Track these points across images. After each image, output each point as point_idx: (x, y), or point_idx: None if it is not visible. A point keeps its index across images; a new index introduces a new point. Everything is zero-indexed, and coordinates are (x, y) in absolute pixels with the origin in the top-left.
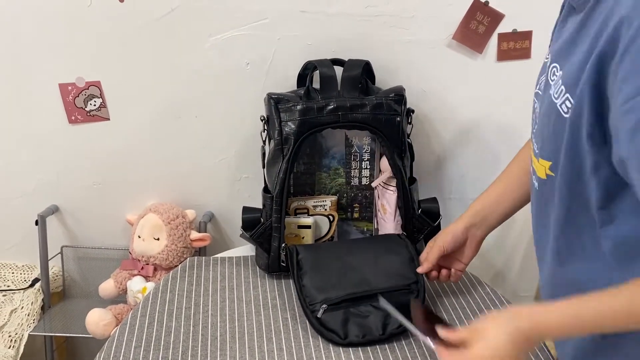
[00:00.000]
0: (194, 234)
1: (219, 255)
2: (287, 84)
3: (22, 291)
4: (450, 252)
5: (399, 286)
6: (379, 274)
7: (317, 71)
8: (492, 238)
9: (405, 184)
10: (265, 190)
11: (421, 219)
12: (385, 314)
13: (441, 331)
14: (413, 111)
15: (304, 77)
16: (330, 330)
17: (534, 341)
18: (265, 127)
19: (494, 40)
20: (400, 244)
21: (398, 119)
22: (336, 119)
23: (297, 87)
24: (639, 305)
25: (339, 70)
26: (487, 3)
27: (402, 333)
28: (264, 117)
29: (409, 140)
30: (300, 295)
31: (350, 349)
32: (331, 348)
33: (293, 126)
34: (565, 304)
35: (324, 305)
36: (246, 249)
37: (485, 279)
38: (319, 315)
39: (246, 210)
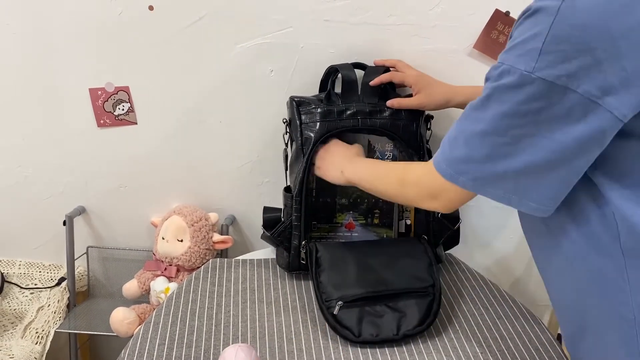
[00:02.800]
0: (217, 237)
1: (240, 258)
2: (309, 90)
3: (48, 289)
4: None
5: (415, 288)
6: (396, 275)
7: (339, 76)
8: (512, 245)
9: None
10: (287, 190)
11: (440, 223)
12: (400, 315)
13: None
14: (432, 117)
15: (326, 82)
16: (345, 327)
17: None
18: (288, 130)
19: None
20: (420, 247)
21: (416, 124)
22: (355, 124)
23: (319, 92)
24: (373, 179)
25: (360, 74)
26: (508, 13)
27: (416, 334)
28: (286, 119)
29: (427, 145)
30: (317, 291)
31: (368, 350)
32: (349, 349)
33: (313, 128)
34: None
35: (340, 302)
36: (267, 252)
37: (504, 286)
38: (334, 312)
39: (267, 210)
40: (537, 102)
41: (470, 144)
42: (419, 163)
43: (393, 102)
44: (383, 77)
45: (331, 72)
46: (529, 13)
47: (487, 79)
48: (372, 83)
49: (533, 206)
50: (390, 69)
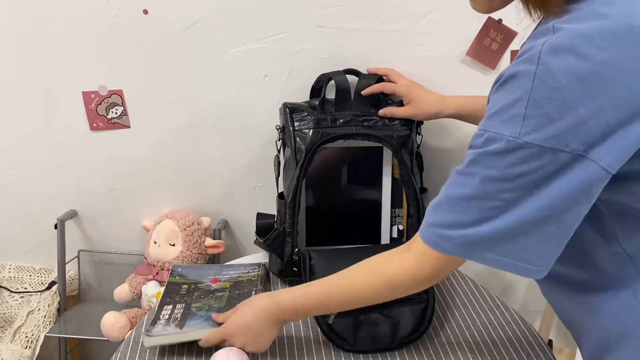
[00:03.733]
0: (209, 241)
1: (232, 262)
2: (303, 95)
3: (39, 293)
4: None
5: (408, 295)
6: None
7: (331, 82)
8: None
9: (417, 193)
10: (280, 196)
11: None
12: (395, 323)
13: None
14: (422, 122)
15: (316, 89)
16: (340, 337)
17: (283, 319)
18: (281, 136)
19: (506, 57)
20: None
21: (410, 131)
22: (349, 131)
23: (310, 98)
24: (355, 286)
25: (352, 80)
26: (500, 21)
27: (411, 342)
28: (279, 126)
29: (418, 150)
30: None
31: (361, 357)
32: (342, 356)
33: (306, 135)
34: (304, 285)
35: (335, 312)
36: (259, 257)
37: (496, 292)
38: (329, 321)
39: (260, 216)
40: (526, 165)
41: (456, 208)
42: (393, 261)
43: (385, 112)
44: (374, 88)
45: (323, 79)
46: (504, 79)
47: (470, 147)
48: (363, 93)
49: (526, 267)
50: (383, 77)
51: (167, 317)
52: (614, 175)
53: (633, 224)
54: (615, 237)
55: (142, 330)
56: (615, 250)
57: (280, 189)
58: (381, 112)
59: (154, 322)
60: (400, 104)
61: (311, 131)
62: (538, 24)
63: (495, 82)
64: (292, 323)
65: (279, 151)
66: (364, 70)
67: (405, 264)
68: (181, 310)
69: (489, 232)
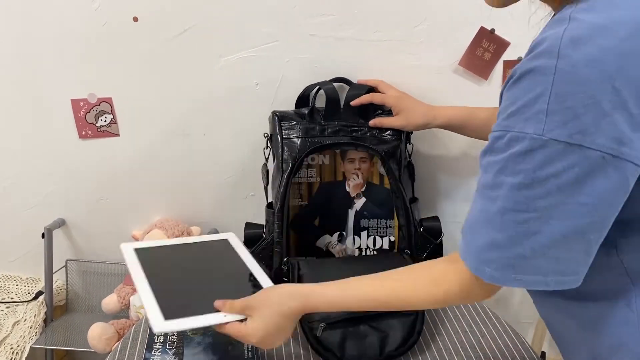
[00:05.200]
0: None
1: None
2: (294, 104)
3: (25, 304)
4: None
5: None
6: None
7: (320, 92)
8: None
9: (406, 203)
10: (269, 206)
11: (423, 237)
12: (383, 336)
13: (218, 303)
14: (411, 132)
15: (302, 99)
16: (328, 350)
17: (304, 313)
18: (269, 144)
19: (499, 67)
20: (402, 262)
21: (397, 141)
22: (337, 140)
23: (296, 107)
24: (396, 297)
25: (341, 89)
26: (493, 31)
27: (399, 355)
28: (267, 134)
29: (410, 160)
30: None
31: None
32: None
33: (294, 144)
34: (337, 287)
35: (323, 324)
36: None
37: (488, 303)
38: (317, 334)
39: (248, 226)
40: (554, 165)
41: (491, 226)
42: (440, 261)
43: (375, 122)
44: (364, 98)
45: (309, 89)
46: (520, 75)
47: (488, 152)
48: (353, 103)
49: (570, 280)
50: (373, 88)
51: (162, 340)
52: None
53: (631, 232)
54: (614, 246)
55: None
56: (613, 260)
57: (270, 198)
58: (371, 122)
59: (149, 347)
60: (390, 114)
61: (299, 140)
62: (553, 15)
63: (509, 79)
64: None
65: (267, 159)
66: (354, 80)
67: (451, 279)
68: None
69: (531, 249)
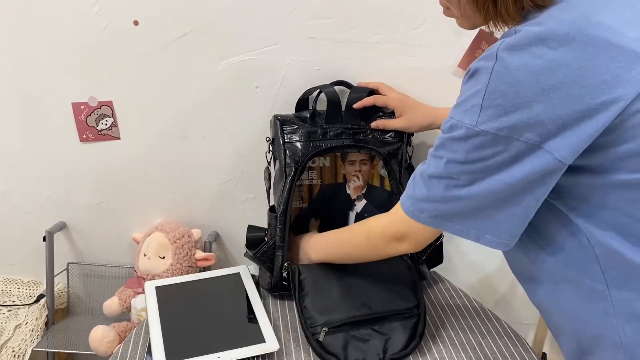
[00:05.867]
0: (199, 254)
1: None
2: (294, 106)
3: (26, 307)
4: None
5: (400, 310)
6: (380, 296)
7: (321, 95)
8: (497, 263)
9: None
10: (271, 209)
11: None
12: (386, 339)
13: None
14: (412, 134)
15: (302, 102)
16: (331, 354)
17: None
18: (271, 148)
19: None
20: (403, 265)
21: (399, 142)
22: (339, 142)
23: (296, 111)
24: (347, 235)
25: (341, 91)
26: (492, 33)
27: (402, 358)
28: (269, 138)
29: (410, 162)
30: (301, 317)
31: None
32: None
33: (297, 148)
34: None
35: (325, 328)
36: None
37: (489, 305)
38: (320, 338)
39: (251, 229)
40: (484, 150)
41: (429, 185)
42: (379, 216)
43: (378, 124)
44: (366, 101)
45: (311, 91)
46: (471, 73)
47: (442, 131)
48: (355, 106)
49: (490, 239)
50: (374, 91)
51: None
52: (570, 168)
53: (600, 223)
54: (585, 236)
55: None
56: (585, 249)
57: (272, 202)
58: (374, 124)
59: (150, 350)
60: (392, 115)
61: (302, 144)
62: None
63: (465, 75)
64: (291, 335)
65: (269, 163)
66: (354, 82)
67: (382, 219)
68: None
69: (457, 208)
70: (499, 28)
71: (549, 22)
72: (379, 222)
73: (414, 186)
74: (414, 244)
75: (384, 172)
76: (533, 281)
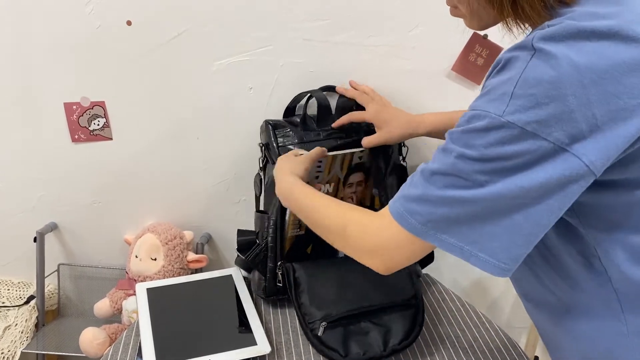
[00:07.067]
0: (191, 255)
1: None
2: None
3: (16, 308)
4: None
5: (397, 301)
6: (377, 289)
7: (311, 100)
8: None
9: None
10: (262, 211)
11: None
12: (385, 330)
13: None
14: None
15: (290, 109)
16: (331, 349)
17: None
18: (265, 154)
19: None
20: None
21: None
22: (333, 143)
23: (284, 117)
24: (324, 213)
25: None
26: (485, 36)
27: (403, 349)
28: (262, 143)
29: (403, 163)
30: (299, 313)
31: None
32: None
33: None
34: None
35: (324, 323)
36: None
37: (481, 308)
38: (319, 333)
39: (241, 233)
40: (505, 147)
41: (429, 182)
42: (363, 212)
43: (364, 142)
44: (340, 121)
45: (299, 99)
46: (502, 64)
47: (457, 125)
48: (333, 125)
49: (487, 260)
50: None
51: None
52: (596, 183)
53: (612, 244)
54: (597, 257)
55: None
56: (598, 271)
57: (261, 207)
58: (363, 142)
59: (140, 352)
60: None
61: (295, 147)
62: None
63: (492, 68)
64: (282, 338)
65: (260, 169)
66: (347, 85)
67: (364, 217)
68: None
69: (457, 213)
70: (519, 27)
71: (587, 17)
72: (360, 221)
73: (410, 184)
74: (385, 264)
75: (375, 191)
76: (540, 302)
